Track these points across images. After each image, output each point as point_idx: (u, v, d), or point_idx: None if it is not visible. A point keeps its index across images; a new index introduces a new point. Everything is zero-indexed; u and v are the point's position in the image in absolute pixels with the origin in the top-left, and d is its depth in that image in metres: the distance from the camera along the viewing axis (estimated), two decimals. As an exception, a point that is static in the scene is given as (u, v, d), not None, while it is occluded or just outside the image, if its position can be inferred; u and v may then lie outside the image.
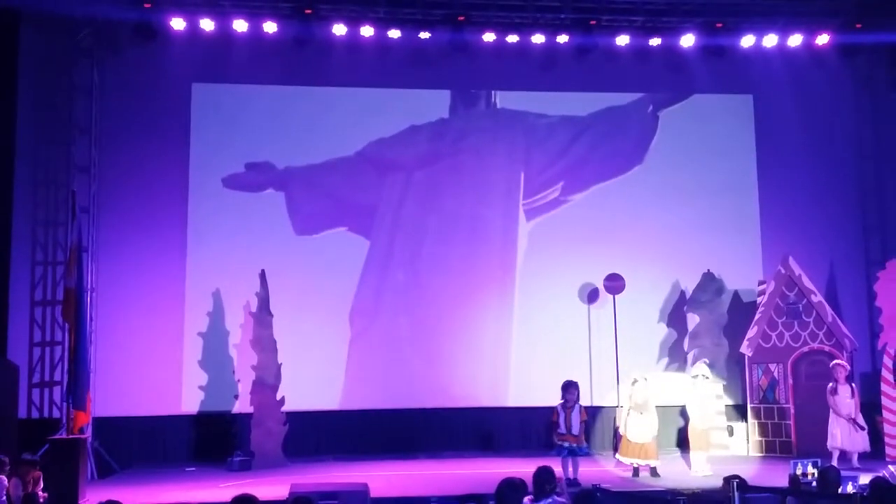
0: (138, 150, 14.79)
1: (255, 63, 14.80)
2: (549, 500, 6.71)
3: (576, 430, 11.77)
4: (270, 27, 14.08)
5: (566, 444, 11.73)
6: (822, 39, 14.98)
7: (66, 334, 12.78)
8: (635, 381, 12.69)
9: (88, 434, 12.63)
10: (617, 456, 12.86)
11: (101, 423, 13.67)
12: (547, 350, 15.14)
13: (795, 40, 15.01)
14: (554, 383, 12.23)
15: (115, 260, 14.53)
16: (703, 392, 12.80)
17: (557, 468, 8.14)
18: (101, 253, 14.42)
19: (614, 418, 14.38)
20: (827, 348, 14.28)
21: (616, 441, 13.46)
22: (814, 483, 8.75)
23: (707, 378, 12.89)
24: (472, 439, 15.15)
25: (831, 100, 16.17)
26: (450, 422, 15.10)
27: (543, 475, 6.99)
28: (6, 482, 9.65)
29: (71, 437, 11.39)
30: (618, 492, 10.07)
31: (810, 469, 9.34)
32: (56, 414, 13.93)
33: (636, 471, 12.31)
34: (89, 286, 13.56)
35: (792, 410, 14.27)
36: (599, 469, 12.92)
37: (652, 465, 12.30)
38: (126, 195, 14.70)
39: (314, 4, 13.94)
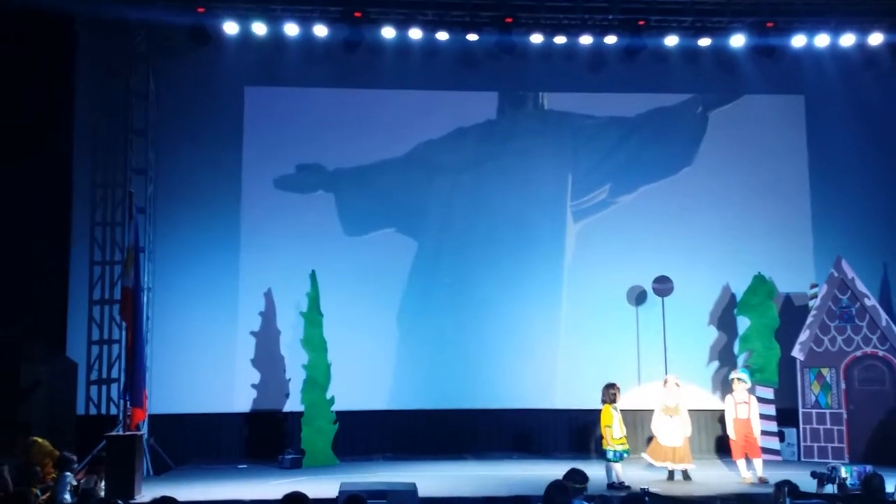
0: (193, 153, 15.11)
1: (306, 66, 15.01)
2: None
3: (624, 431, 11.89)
4: (321, 31, 14.27)
5: (621, 448, 11.75)
6: (875, 39, 14.74)
7: (124, 333, 13.10)
8: (666, 381, 12.61)
9: (144, 431, 12.94)
10: (644, 454, 12.77)
11: (157, 420, 13.97)
12: (594, 352, 15.11)
13: (848, 40, 14.78)
14: (601, 386, 12.22)
15: (171, 260, 14.85)
16: (741, 397, 12.61)
17: (593, 471, 7.89)
18: (157, 253, 14.73)
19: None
20: (880, 353, 14.09)
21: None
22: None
23: (742, 382, 12.64)
24: (520, 441, 15.20)
25: (884, 100, 15.88)
26: (497, 423, 15.18)
27: (572, 476, 7.03)
28: (70, 478, 9.95)
29: (128, 433, 11.68)
30: (666, 496, 10.04)
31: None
32: (113, 411, 14.25)
33: (671, 474, 12.19)
34: (146, 285, 13.90)
35: (845, 416, 14.10)
36: (632, 472, 12.73)
37: (685, 469, 12.14)
38: (181, 196, 15.00)
39: (363, 8, 14.09)
